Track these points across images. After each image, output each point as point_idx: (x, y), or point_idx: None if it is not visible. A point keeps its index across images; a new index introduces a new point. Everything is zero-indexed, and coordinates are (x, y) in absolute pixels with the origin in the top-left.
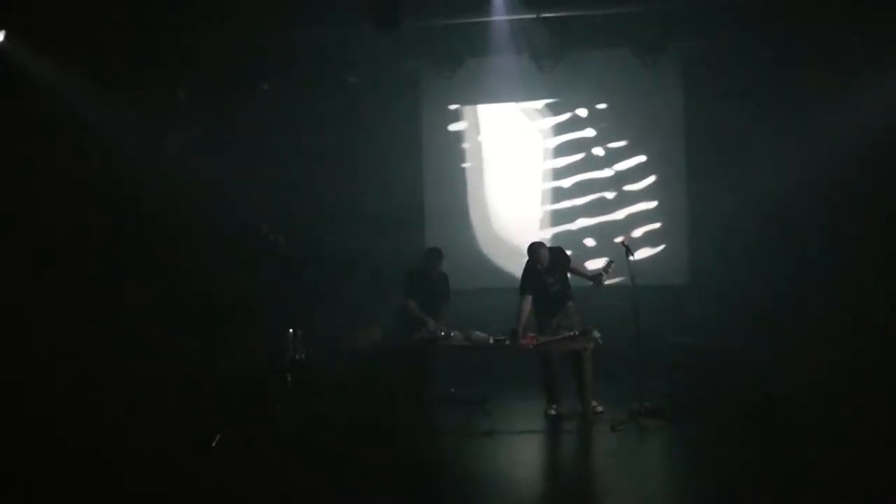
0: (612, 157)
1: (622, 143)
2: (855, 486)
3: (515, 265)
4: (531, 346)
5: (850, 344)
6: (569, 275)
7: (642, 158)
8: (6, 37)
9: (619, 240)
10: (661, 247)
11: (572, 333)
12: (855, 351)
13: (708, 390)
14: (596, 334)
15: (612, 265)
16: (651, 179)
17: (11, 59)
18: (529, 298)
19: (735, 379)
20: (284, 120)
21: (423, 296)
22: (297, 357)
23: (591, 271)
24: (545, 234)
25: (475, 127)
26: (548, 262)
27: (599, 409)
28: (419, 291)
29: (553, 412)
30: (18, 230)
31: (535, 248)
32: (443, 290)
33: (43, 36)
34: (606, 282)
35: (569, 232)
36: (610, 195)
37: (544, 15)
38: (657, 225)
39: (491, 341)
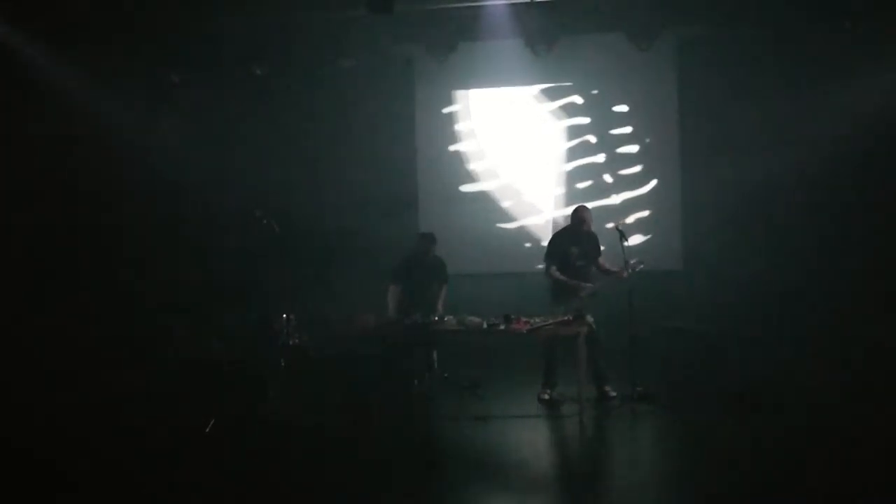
0: (606, 142)
1: (616, 128)
2: (844, 469)
3: (509, 250)
4: (524, 331)
5: (841, 329)
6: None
7: (636, 144)
8: None
9: (611, 225)
10: (655, 232)
11: (566, 318)
12: (846, 335)
13: (700, 374)
14: (589, 319)
15: (640, 266)
16: (645, 164)
17: (3, 44)
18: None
19: (727, 363)
20: (278, 105)
21: (416, 282)
22: (291, 341)
23: (614, 267)
24: (538, 220)
25: (469, 111)
26: (589, 227)
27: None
28: (411, 277)
29: (547, 396)
30: (9, 216)
31: (580, 211)
32: (439, 275)
33: (35, 21)
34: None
35: (562, 216)
36: (604, 180)
37: None
38: (651, 210)
39: (485, 326)
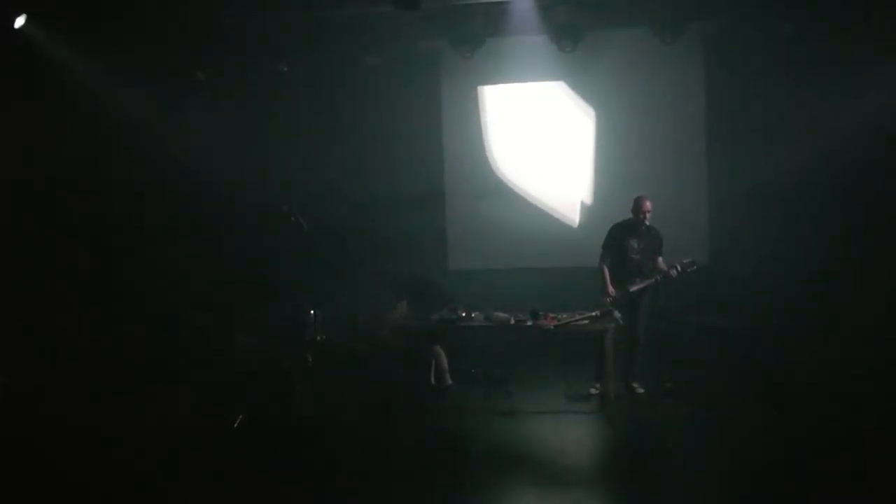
0: (632, 136)
1: (642, 123)
2: (869, 465)
3: (535, 245)
4: (551, 327)
5: (870, 324)
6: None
7: (662, 138)
8: (28, 20)
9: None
10: (682, 226)
11: (593, 314)
12: (876, 330)
13: (728, 370)
14: (616, 314)
15: (692, 267)
16: (672, 158)
17: (33, 41)
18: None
19: (755, 359)
20: (304, 101)
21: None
22: (318, 337)
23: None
24: (565, 215)
25: (495, 107)
26: (649, 215)
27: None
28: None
29: (595, 390)
30: (41, 207)
31: (638, 200)
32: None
33: (64, 18)
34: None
35: (590, 211)
36: (630, 174)
37: None
38: (677, 204)
39: (512, 322)
